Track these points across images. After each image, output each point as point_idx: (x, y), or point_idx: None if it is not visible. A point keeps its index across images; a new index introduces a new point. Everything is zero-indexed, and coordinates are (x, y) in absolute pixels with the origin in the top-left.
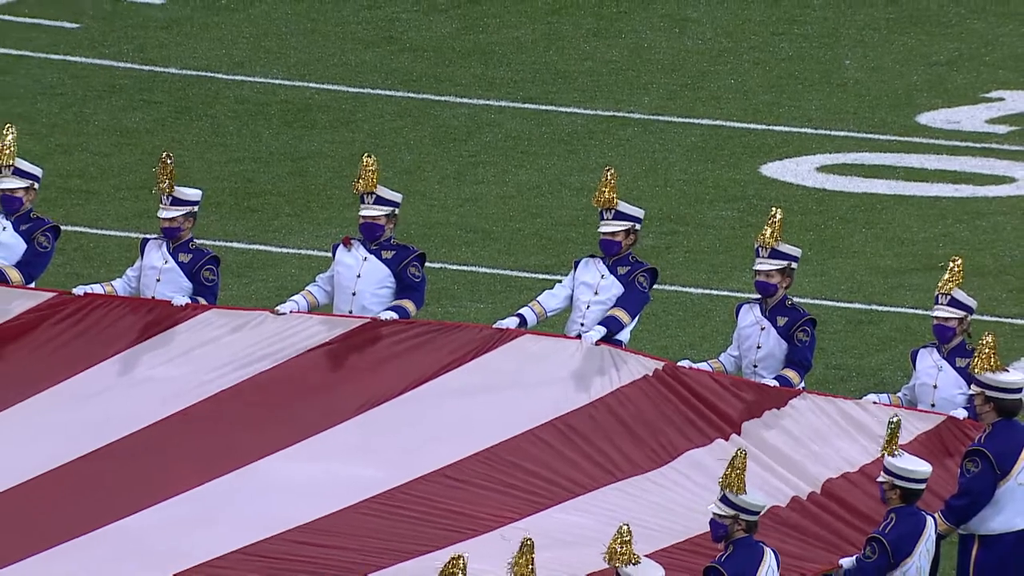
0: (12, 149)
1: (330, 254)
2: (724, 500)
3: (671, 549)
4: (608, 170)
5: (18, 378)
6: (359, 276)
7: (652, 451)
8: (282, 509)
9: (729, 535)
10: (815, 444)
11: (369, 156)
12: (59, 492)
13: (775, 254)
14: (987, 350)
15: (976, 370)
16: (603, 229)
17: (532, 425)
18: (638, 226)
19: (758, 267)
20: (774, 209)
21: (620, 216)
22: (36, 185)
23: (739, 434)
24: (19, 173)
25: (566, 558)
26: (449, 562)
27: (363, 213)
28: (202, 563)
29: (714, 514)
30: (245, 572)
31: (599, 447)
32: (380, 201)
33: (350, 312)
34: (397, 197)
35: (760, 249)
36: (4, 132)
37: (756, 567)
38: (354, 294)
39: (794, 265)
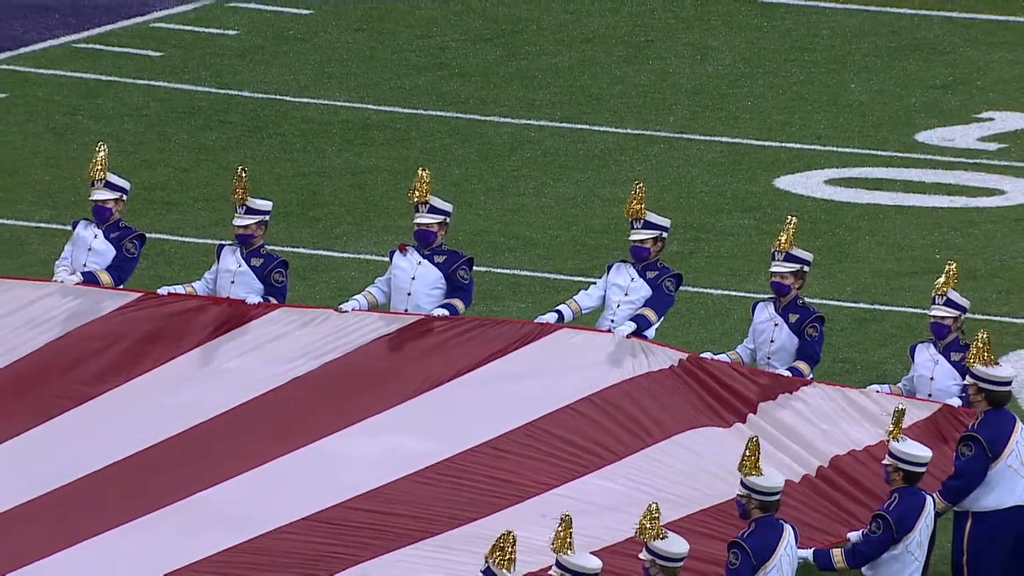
0: (104, 164)
1: (387, 259)
2: (741, 481)
3: (697, 515)
4: (637, 184)
5: (109, 369)
6: (414, 278)
7: (678, 419)
8: (346, 479)
9: (747, 513)
10: (824, 424)
11: (423, 169)
12: (147, 470)
13: (790, 258)
14: (981, 345)
15: (971, 363)
16: (633, 237)
17: (570, 400)
18: (665, 234)
19: (774, 269)
20: (790, 217)
21: (649, 225)
22: (124, 197)
23: (755, 413)
24: (110, 186)
25: (602, 524)
26: (500, 538)
27: (417, 221)
28: (275, 528)
29: (737, 494)
30: (313, 536)
31: (630, 414)
32: (433, 210)
33: (406, 310)
34: (448, 207)
35: (776, 253)
36: (96, 149)
37: (776, 542)
38: (409, 294)
39: (806, 268)
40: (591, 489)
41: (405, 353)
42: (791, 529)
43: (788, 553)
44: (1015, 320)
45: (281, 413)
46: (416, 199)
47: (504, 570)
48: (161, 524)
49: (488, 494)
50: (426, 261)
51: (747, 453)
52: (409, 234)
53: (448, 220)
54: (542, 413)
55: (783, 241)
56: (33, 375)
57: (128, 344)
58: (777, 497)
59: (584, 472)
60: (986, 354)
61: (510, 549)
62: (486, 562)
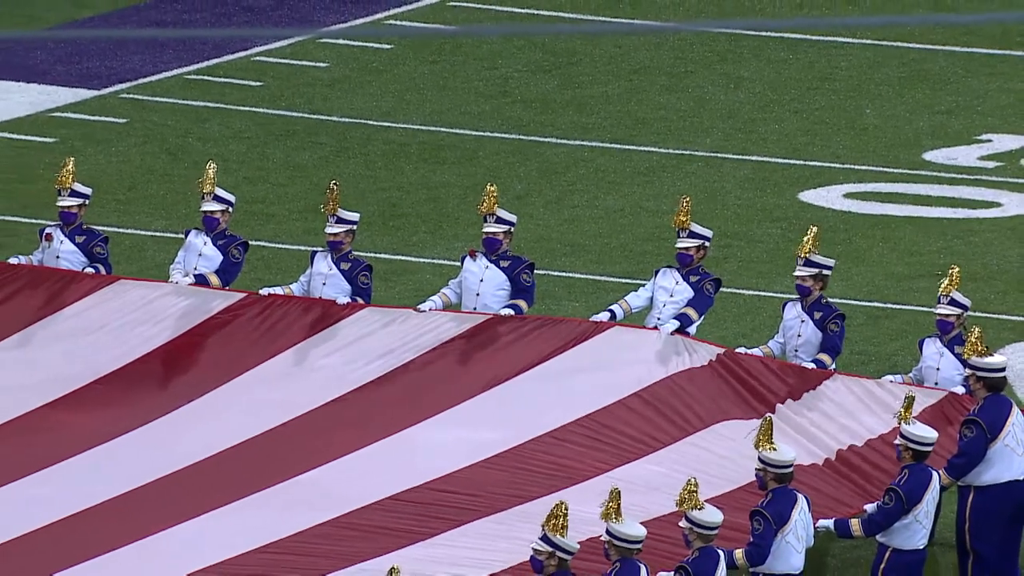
0: (213, 180)
1: (459, 263)
2: (757, 456)
3: (733, 492)
4: (684, 198)
5: (218, 365)
6: (482, 281)
7: (717, 410)
8: (425, 464)
9: (764, 484)
10: (844, 419)
11: (491, 185)
12: (252, 456)
13: (809, 263)
14: (974, 339)
15: (967, 356)
16: (679, 245)
17: (621, 396)
18: (707, 243)
19: (796, 273)
20: (811, 228)
21: (693, 235)
22: (230, 209)
23: (784, 404)
24: (217, 199)
25: (648, 500)
26: (554, 508)
27: (486, 230)
28: (364, 506)
29: (755, 468)
30: (396, 512)
31: (675, 408)
32: (500, 220)
33: (475, 309)
34: (513, 217)
35: (799, 259)
36: (206, 167)
37: (791, 509)
38: (478, 295)
39: (826, 272)
40: (639, 472)
41: (476, 351)
42: (804, 498)
43: (802, 518)
44: (1011, 317)
45: (369, 406)
46: (484, 211)
47: (558, 535)
48: (265, 503)
49: (548, 476)
50: (493, 265)
51: (761, 431)
52: (478, 241)
53: (512, 229)
54: (597, 407)
55: (804, 248)
56: (154, 371)
57: (234, 342)
58: (790, 469)
59: (633, 458)
60: (979, 346)
61: (563, 517)
62: (543, 530)
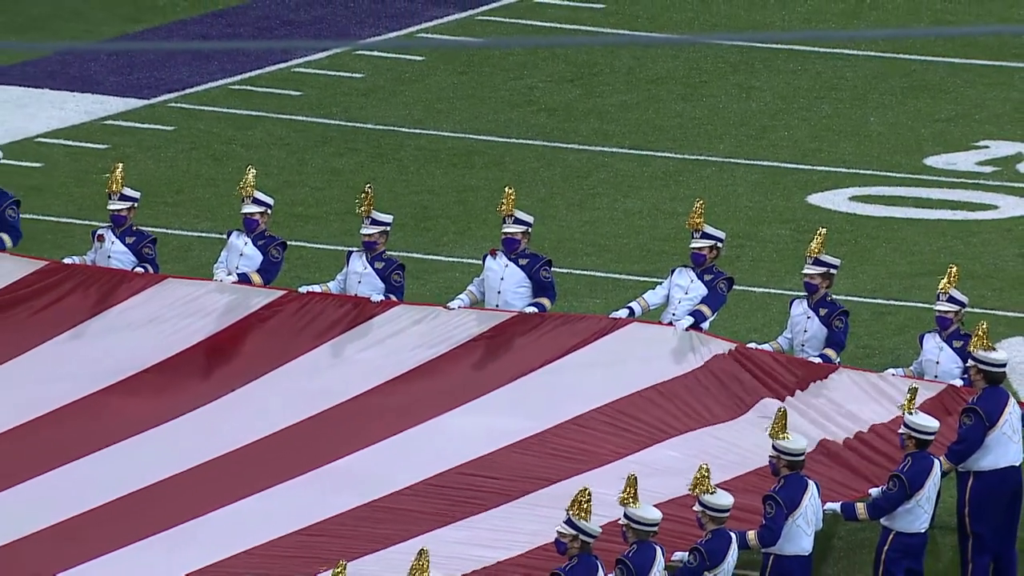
0: (252, 184)
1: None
2: (771, 444)
3: (744, 476)
4: (698, 201)
5: (260, 356)
6: (502, 279)
7: (729, 406)
8: (454, 450)
9: (777, 471)
10: (849, 409)
11: (509, 188)
12: (292, 444)
13: (818, 262)
14: (980, 333)
15: (972, 349)
16: (693, 245)
17: (639, 388)
18: (720, 244)
19: (805, 271)
20: (820, 229)
21: (706, 236)
22: (269, 211)
23: (792, 396)
24: (257, 202)
25: (664, 483)
26: (578, 494)
27: (504, 230)
28: (398, 490)
29: (768, 455)
30: (429, 495)
31: (689, 403)
32: (517, 221)
33: (496, 306)
34: (530, 218)
35: (807, 258)
36: (247, 172)
37: (801, 495)
38: (499, 292)
39: (832, 271)
40: (656, 458)
41: (503, 346)
42: (814, 484)
43: (812, 503)
44: (1007, 313)
45: (402, 396)
46: (503, 212)
47: (582, 520)
48: (305, 486)
49: (572, 461)
50: (512, 264)
51: (775, 420)
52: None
53: (530, 229)
54: (616, 397)
55: (812, 248)
56: (199, 362)
57: (274, 337)
58: (802, 457)
59: (651, 444)
60: (985, 341)
61: (587, 503)
62: (567, 514)
